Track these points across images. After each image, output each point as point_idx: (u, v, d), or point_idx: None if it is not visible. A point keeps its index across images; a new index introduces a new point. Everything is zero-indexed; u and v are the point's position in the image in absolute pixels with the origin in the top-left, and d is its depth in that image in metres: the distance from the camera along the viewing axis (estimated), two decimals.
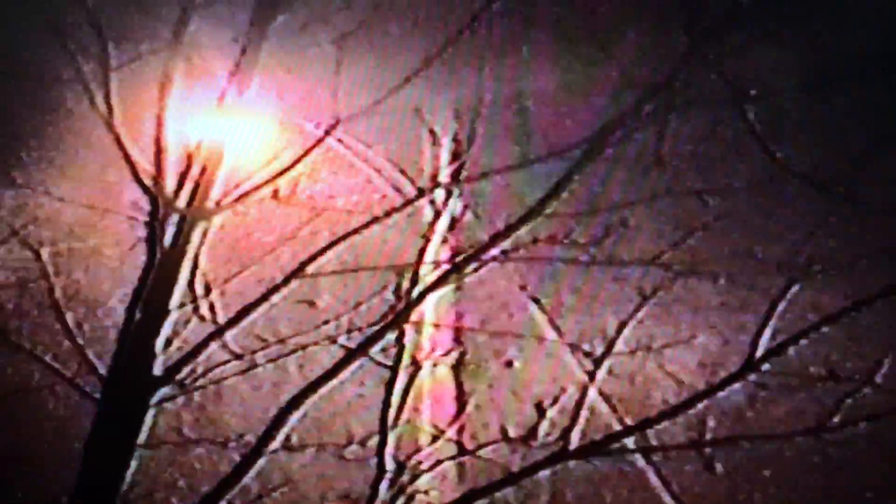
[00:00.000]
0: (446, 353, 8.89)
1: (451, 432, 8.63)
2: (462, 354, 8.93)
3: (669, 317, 8.89)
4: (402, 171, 9.42)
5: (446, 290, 9.05)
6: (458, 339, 8.98)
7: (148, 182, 9.39)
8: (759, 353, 8.70)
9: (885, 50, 9.47)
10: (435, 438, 8.62)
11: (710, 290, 8.94)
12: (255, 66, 9.65)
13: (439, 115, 9.51)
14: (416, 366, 8.83)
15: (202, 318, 8.98)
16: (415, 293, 9.01)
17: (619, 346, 8.79)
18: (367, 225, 9.22)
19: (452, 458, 8.52)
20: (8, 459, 8.52)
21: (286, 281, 9.10)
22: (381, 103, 9.40)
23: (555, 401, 8.67)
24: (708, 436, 8.55)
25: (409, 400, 8.75)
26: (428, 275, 9.06)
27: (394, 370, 8.80)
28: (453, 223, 9.23)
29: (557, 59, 9.64)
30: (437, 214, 9.27)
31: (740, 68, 9.49)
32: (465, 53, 9.65)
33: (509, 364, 8.80)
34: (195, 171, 9.43)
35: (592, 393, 8.68)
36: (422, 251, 9.14)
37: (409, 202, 9.27)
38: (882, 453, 8.48)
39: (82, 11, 9.86)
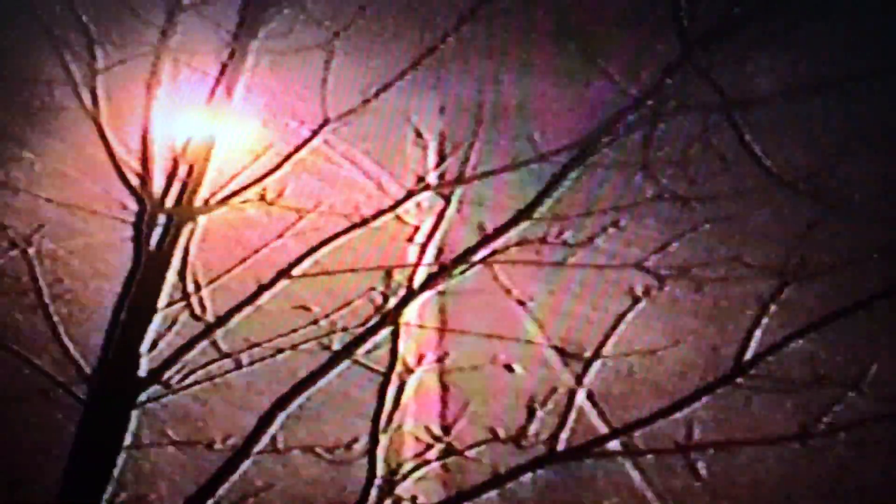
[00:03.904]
0: (437, 357, 8.87)
1: (440, 435, 8.61)
2: (450, 357, 8.91)
3: (658, 320, 8.90)
4: (390, 173, 9.41)
5: (434, 292, 9.04)
6: (445, 342, 8.96)
7: (135, 182, 9.36)
8: (747, 357, 8.72)
9: (876, 58, 9.49)
10: (426, 446, 8.60)
11: (699, 293, 8.96)
12: (243, 66, 9.63)
13: (428, 117, 9.50)
14: (404, 368, 8.81)
15: (192, 318, 8.95)
16: (402, 295, 8.99)
17: (608, 349, 8.79)
18: (354, 226, 9.20)
19: (439, 458, 8.51)
20: None
21: (273, 282, 9.07)
22: (369, 104, 9.39)
23: (543, 403, 8.66)
24: (694, 439, 8.55)
25: (398, 403, 8.73)
26: (416, 277, 9.05)
27: (386, 373, 8.77)
28: (441, 225, 9.22)
29: (546, 63, 9.65)
30: (425, 216, 9.26)
31: (730, 75, 9.51)
32: (455, 56, 9.65)
33: (510, 369, 8.79)
34: (182, 171, 9.41)
35: (580, 396, 8.68)
36: (410, 253, 9.13)
37: (397, 204, 9.25)
38: (868, 460, 8.49)
39: (69, 12, 9.83)
